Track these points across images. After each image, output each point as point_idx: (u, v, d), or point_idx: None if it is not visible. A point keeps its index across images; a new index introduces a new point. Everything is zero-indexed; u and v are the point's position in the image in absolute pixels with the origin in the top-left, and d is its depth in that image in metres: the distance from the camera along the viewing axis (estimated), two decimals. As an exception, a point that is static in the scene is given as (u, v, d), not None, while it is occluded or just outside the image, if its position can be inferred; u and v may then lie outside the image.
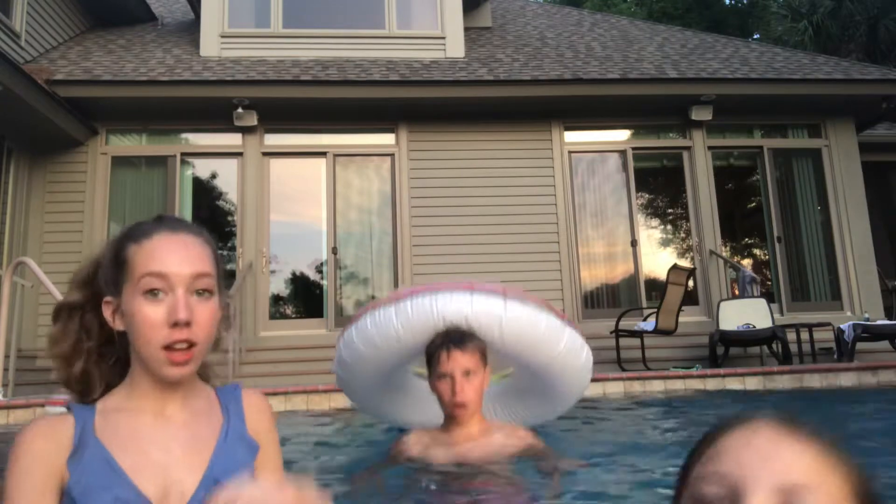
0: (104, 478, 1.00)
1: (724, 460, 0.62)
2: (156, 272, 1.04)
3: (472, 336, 2.30)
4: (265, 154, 8.06)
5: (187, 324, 1.03)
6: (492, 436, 2.30)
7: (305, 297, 8.25)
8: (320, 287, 8.06)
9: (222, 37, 8.41)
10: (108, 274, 1.10)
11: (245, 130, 7.92)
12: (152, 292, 1.04)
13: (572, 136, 8.43)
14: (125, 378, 1.12)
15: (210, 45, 8.38)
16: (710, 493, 0.60)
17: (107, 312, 1.10)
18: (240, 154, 7.99)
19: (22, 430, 1.03)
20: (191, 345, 1.05)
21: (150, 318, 1.04)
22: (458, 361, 2.21)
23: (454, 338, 2.26)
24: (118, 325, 1.09)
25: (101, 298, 1.12)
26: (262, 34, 8.49)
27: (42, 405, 4.78)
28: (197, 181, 8.23)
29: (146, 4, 9.99)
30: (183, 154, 8.05)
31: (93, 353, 1.11)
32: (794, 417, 0.65)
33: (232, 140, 8.01)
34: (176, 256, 1.07)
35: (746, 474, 0.59)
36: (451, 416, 2.26)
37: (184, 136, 8.22)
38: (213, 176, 8.31)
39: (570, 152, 8.38)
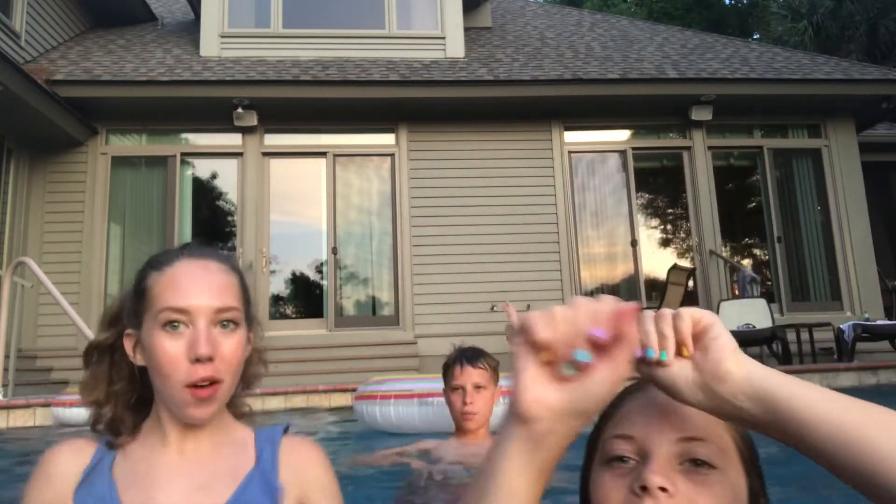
0: None
1: (631, 420, 0.71)
2: (174, 307, 0.98)
3: (485, 354, 2.58)
4: (265, 154, 8.06)
5: (210, 359, 0.97)
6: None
7: (305, 298, 8.25)
8: (320, 287, 8.06)
9: (222, 37, 8.41)
10: (130, 304, 1.05)
11: (245, 130, 7.92)
12: (172, 324, 0.98)
13: (572, 136, 8.43)
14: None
15: (210, 45, 8.38)
16: (620, 450, 0.70)
17: (128, 346, 1.04)
18: (240, 154, 7.99)
19: (48, 448, 1.02)
20: (214, 382, 0.98)
21: (170, 353, 0.97)
22: (470, 375, 2.48)
23: (468, 354, 2.54)
24: (139, 361, 1.03)
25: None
26: (262, 34, 8.49)
27: (43, 405, 4.78)
28: (197, 181, 8.23)
29: (146, 4, 9.99)
30: (183, 154, 8.05)
31: (122, 396, 1.05)
32: None
33: (232, 140, 8.01)
34: (197, 287, 1.00)
35: (651, 430, 0.69)
36: (460, 426, 2.51)
37: (184, 136, 8.22)
38: (213, 176, 8.31)
39: (570, 152, 8.38)
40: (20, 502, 0.99)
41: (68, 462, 0.99)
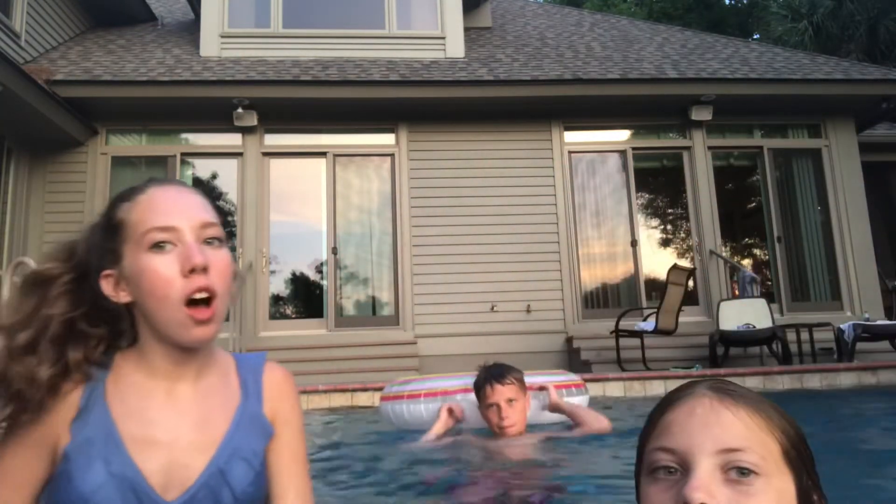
0: (103, 448, 0.93)
1: (672, 432, 0.73)
2: (161, 226, 0.96)
3: (510, 368, 2.79)
4: (265, 154, 8.06)
5: (204, 269, 0.95)
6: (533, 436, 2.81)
7: (305, 298, 8.25)
8: (320, 287, 8.06)
9: (222, 37, 8.41)
10: (101, 245, 1.01)
11: (245, 130, 7.92)
12: (159, 245, 0.96)
13: (572, 136, 8.43)
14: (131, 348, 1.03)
15: (210, 45, 8.38)
16: (664, 460, 0.72)
17: (108, 288, 0.99)
18: (240, 154, 7.99)
19: None
20: (211, 297, 0.96)
21: (162, 272, 0.95)
22: (502, 393, 2.70)
23: (495, 373, 2.75)
24: (123, 297, 0.99)
25: (83, 274, 1.01)
26: (262, 34, 8.49)
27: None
28: (197, 181, 8.22)
29: (146, 4, 9.99)
30: (183, 154, 8.05)
31: (49, 327, 0.96)
32: (728, 385, 0.76)
33: (232, 140, 8.01)
34: (177, 206, 0.99)
35: (692, 442, 0.71)
36: (500, 435, 2.73)
37: (184, 136, 8.22)
38: (213, 176, 8.31)
39: (570, 152, 8.38)
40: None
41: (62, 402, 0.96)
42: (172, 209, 0.99)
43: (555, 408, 3.04)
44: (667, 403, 0.77)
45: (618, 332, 6.86)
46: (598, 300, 8.21)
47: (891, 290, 8.89)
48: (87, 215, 7.65)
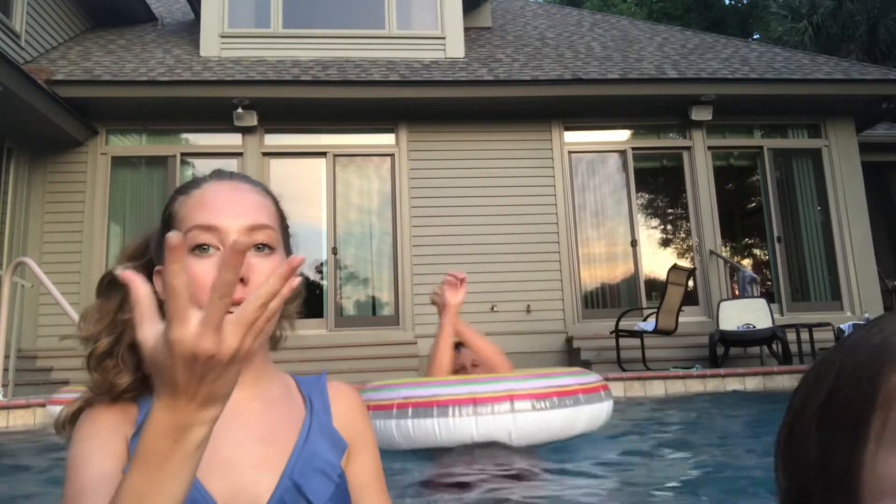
0: None
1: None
2: (202, 224, 0.88)
3: None
4: (265, 154, 8.06)
5: (241, 280, 0.85)
6: None
7: (305, 297, 8.23)
8: (320, 287, 8.06)
9: (222, 37, 8.41)
10: (158, 239, 0.93)
11: (245, 130, 7.92)
12: (201, 248, 0.87)
13: (572, 136, 8.43)
14: None
15: (210, 45, 8.38)
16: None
17: (158, 284, 0.91)
18: (240, 154, 7.99)
19: (87, 411, 0.90)
20: None
21: (198, 277, 0.85)
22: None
23: None
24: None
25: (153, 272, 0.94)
26: (262, 34, 8.50)
27: (42, 405, 4.78)
28: (197, 181, 8.22)
29: (146, 4, 9.99)
30: (183, 154, 8.05)
31: (129, 331, 0.90)
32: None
33: (232, 140, 8.01)
34: (226, 205, 0.90)
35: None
36: None
37: (184, 136, 8.22)
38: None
39: (570, 152, 8.38)
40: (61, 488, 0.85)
41: (118, 410, 0.88)
42: (221, 207, 0.90)
43: (457, 332, 2.72)
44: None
45: (618, 332, 6.86)
46: (598, 300, 8.21)
47: (891, 290, 8.90)
48: (87, 215, 7.65)
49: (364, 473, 0.96)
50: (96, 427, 0.86)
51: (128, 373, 0.88)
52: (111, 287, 0.94)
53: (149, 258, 0.97)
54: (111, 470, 0.81)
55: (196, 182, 0.95)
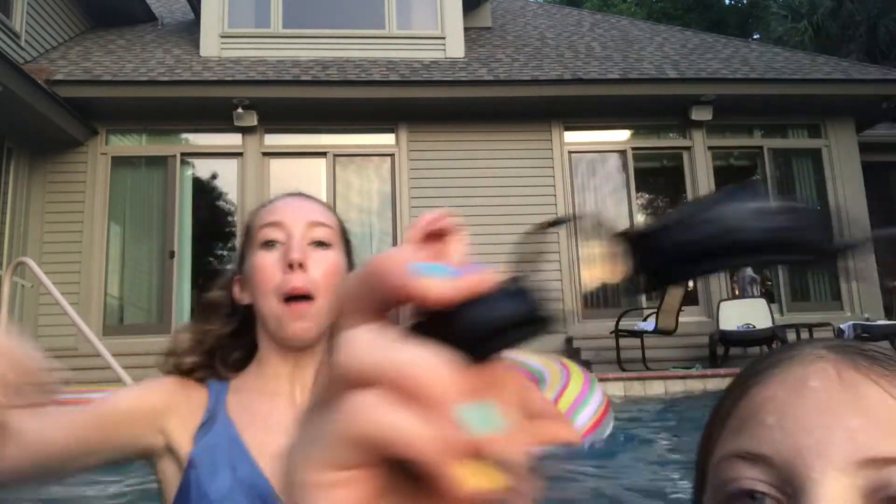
0: (228, 454, 0.95)
1: (765, 426, 0.39)
2: (270, 221, 1.02)
3: None
4: (265, 154, 8.06)
5: (301, 265, 0.97)
6: None
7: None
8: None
9: (222, 37, 8.41)
10: (239, 252, 1.08)
11: (245, 130, 7.92)
12: (269, 243, 1.00)
13: (572, 136, 8.43)
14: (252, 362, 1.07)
15: (210, 45, 8.38)
16: (749, 479, 0.38)
17: (237, 291, 1.05)
18: (240, 154, 7.99)
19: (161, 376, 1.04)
20: (310, 297, 0.97)
21: (265, 266, 0.99)
22: None
23: None
24: (245, 299, 1.03)
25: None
26: (262, 34, 8.49)
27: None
28: (197, 181, 8.23)
29: (146, 4, 9.99)
30: (183, 154, 8.05)
31: (218, 339, 1.05)
32: (861, 343, 0.43)
33: (232, 140, 8.01)
34: (293, 206, 1.05)
35: (804, 443, 0.36)
36: None
37: (184, 136, 8.22)
38: (213, 176, 8.31)
39: (570, 152, 8.38)
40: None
41: (186, 392, 1.00)
42: (286, 209, 1.04)
43: None
44: (751, 375, 0.43)
45: (618, 332, 6.86)
46: (598, 300, 8.21)
47: (891, 290, 8.90)
48: (87, 215, 7.65)
49: None
50: (156, 382, 1.01)
51: (196, 356, 1.02)
52: (206, 311, 1.08)
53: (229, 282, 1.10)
54: (133, 405, 0.97)
55: (271, 200, 1.10)
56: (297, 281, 0.97)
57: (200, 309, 1.10)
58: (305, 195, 1.11)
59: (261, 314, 1.00)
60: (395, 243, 7.98)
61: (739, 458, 0.39)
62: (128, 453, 0.97)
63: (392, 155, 8.18)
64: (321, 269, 1.00)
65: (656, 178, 9.09)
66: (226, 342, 1.05)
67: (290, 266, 0.97)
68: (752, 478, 0.38)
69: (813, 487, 0.35)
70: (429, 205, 7.99)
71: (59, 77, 7.40)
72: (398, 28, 8.68)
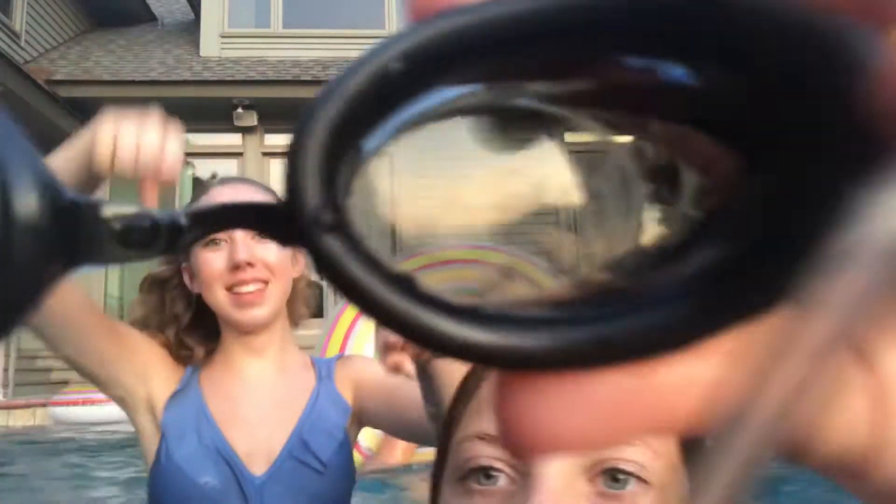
0: (195, 423, 1.03)
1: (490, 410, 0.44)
2: None
3: None
4: (265, 154, 8.06)
5: (249, 264, 1.00)
6: None
7: (305, 298, 8.26)
8: (320, 287, 8.06)
9: (222, 37, 8.42)
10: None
11: (245, 131, 7.92)
12: (213, 242, 1.02)
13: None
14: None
15: (210, 45, 8.38)
16: (484, 457, 0.45)
17: (186, 280, 1.09)
18: (240, 154, 8.00)
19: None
20: (261, 283, 1.02)
21: (210, 265, 1.01)
22: None
23: None
24: (196, 289, 1.08)
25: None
26: (262, 34, 8.50)
27: (42, 405, 4.79)
28: (197, 181, 8.23)
29: (146, 4, 9.99)
30: (183, 154, 8.05)
31: (180, 322, 1.09)
32: None
33: (232, 140, 8.02)
34: (229, 198, 1.04)
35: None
36: None
37: (183, 136, 8.19)
38: (214, 176, 8.30)
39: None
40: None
41: (169, 361, 1.07)
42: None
43: None
44: None
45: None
46: (598, 300, 8.22)
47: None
48: (87, 215, 7.66)
49: (380, 387, 1.08)
50: (156, 343, 1.07)
51: (202, 349, 1.09)
52: (151, 285, 1.12)
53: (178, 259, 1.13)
54: (141, 347, 1.05)
55: (205, 189, 1.13)
56: (248, 280, 1.00)
57: (147, 286, 1.12)
58: (242, 179, 1.11)
59: (213, 306, 1.05)
60: (395, 243, 7.99)
61: (478, 439, 0.45)
62: (111, 377, 1.03)
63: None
64: (269, 258, 1.02)
65: (656, 178, 9.13)
66: (188, 327, 1.11)
67: (236, 267, 1.00)
68: (488, 456, 0.44)
69: (539, 465, 0.42)
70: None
71: (59, 77, 7.40)
72: (398, 28, 8.68)
